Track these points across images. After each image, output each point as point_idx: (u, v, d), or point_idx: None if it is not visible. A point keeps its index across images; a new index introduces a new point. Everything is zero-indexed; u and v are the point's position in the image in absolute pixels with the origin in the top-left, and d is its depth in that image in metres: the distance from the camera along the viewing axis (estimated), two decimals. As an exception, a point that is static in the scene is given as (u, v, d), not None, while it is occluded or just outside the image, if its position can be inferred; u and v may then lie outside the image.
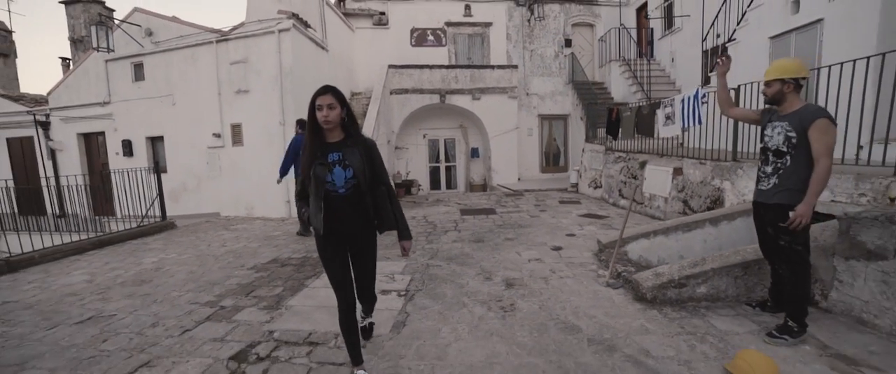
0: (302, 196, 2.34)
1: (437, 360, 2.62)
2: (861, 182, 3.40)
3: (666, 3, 11.82)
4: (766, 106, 2.95)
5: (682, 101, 5.61)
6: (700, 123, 5.36)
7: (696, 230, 4.55)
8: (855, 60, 3.55)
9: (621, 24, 12.71)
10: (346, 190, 2.18)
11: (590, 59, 13.98)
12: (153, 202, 7.75)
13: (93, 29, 8.19)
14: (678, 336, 2.78)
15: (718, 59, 3.23)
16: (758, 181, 2.92)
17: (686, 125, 5.65)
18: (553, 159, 13.83)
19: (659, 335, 2.81)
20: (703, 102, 5.31)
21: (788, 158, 2.65)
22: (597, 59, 13.84)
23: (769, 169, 2.78)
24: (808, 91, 4.62)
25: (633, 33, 13.06)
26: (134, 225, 7.31)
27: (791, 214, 2.55)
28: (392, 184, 2.42)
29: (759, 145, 2.97)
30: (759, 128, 2.98)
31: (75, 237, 6.60)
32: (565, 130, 13.71)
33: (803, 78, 2.67)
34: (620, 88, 12.04)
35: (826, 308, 3.00)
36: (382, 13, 12.83)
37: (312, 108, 2.16)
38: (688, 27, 10.67)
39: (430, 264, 4.62)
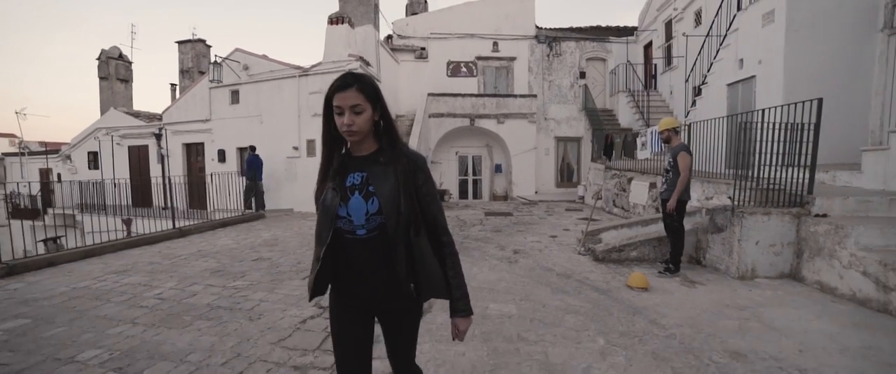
0: None
1: (470, 280, 4.74)
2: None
3: (666, 44, 13.80)
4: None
5: (651, 132, 7.63)
6: (659, 149, 7.36)
7: (652, 225, 6.49)
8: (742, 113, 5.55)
9: (628, 61, 14.74)
10: (367, 232, 1.39)
11: (602, 89, 16.01)
12: (252, 198, 10.22)
13: (210, 66, 10.87)
14: (608, 273, 4.83)
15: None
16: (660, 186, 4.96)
17: (654, 151, 7.65)
18: (567, 176, 15.80)
19: (598, 273, 4.86)
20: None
21: (670, 173, 4.70)
22: (608, 89, 15.86)
23: (663, 179, 4.84)
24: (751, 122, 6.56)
25: (641, 68, 15.04)
26: (226, 215, 9.77)
27: (668, 205, 4.57)
28: (448, 229, 1.53)
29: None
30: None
31: (179, 224, 9.04)
32: (578, 151, 15.70)
33: (678, 127, 4.74)
34: (626, 116, 13.99)
35: (704, 264, 4.99)
36: (423, 48, 15.28)
37: (328, 109, 1.41)
38: (683, 66, 12.60)
39: (463, 242, 6.76)
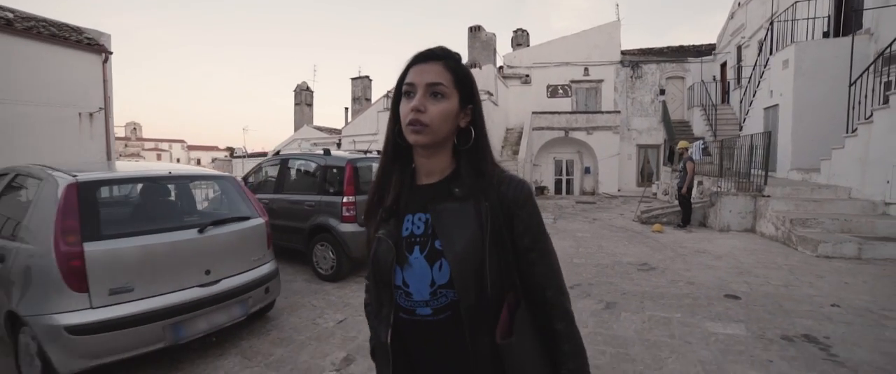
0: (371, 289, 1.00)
1: (567, 227, 8.88)
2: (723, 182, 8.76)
3: (738, 65, 16.31)
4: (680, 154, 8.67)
5: (695, 146, 10.98)
6: (700, 158, 10.70)
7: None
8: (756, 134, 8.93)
9: (701, 80, 17.43)
10: (433, 313, 0.85)
11: (680, 103, 18.75)
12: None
13: (383, 99, 16.22)
14: (645, 227, 8.64)
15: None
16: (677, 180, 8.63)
17: (696, 158, 10.96)
18: (646, 177, 18.82)
19: (639, 227, 8.69)
20: (702, 147, 10.66)
21: (682, 172, 8.39)
22: (686, 103, 18.57)
23: (677, 176, 8.54)
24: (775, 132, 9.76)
25: (717, 85, 17.59)
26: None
27: (682, 190, 8.29)
28: (570, 310, 0.89)
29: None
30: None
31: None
32: (657, 156, 18.64)
33: (689, 146, 8.43)
34: (700, 128, 16.75)
35: (707, 226, 8.55)
36: (527, 75, 19.44)
37: (397, 95, 0.89)
38: (744, 86, 15.14)
39: (562, 215, 10.85)
